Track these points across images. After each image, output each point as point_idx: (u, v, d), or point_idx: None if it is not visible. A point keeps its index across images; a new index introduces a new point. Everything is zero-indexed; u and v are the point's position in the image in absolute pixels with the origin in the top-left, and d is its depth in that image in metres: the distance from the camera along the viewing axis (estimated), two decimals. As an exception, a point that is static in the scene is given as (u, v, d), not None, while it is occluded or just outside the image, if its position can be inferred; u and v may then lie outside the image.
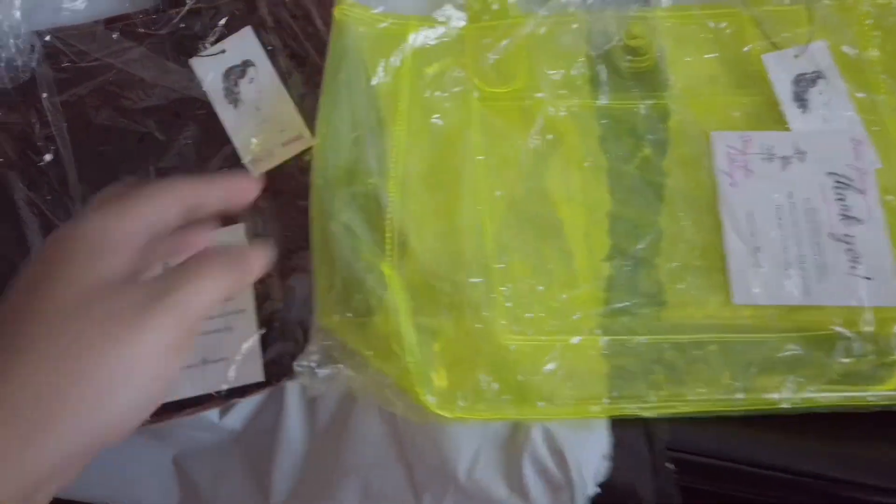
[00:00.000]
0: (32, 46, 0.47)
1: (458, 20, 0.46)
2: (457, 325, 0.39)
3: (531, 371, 0.38)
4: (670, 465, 0.37)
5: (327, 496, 0.42)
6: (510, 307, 0.40)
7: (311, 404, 0.44)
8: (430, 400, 0.37)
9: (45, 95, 0.47)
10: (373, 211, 0.42)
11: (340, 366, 0.38)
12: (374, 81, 0.45)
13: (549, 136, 0.45)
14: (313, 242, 0.42)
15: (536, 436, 0.38)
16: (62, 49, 0.47)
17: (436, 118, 0.45)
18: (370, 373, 0.38)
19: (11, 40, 0.46)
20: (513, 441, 0.38)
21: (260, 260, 0.33)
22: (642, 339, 0.39)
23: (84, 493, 0.47)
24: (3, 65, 0.47)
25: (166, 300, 0.28)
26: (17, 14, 0.46)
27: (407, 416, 0.38)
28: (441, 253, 0.41)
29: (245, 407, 0.46)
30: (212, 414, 0.45)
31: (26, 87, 0.47)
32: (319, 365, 0.39)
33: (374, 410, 0.42)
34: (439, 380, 0.38)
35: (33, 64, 0.47)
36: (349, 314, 0.39)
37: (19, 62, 0.47)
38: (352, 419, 0.42)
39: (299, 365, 0.39)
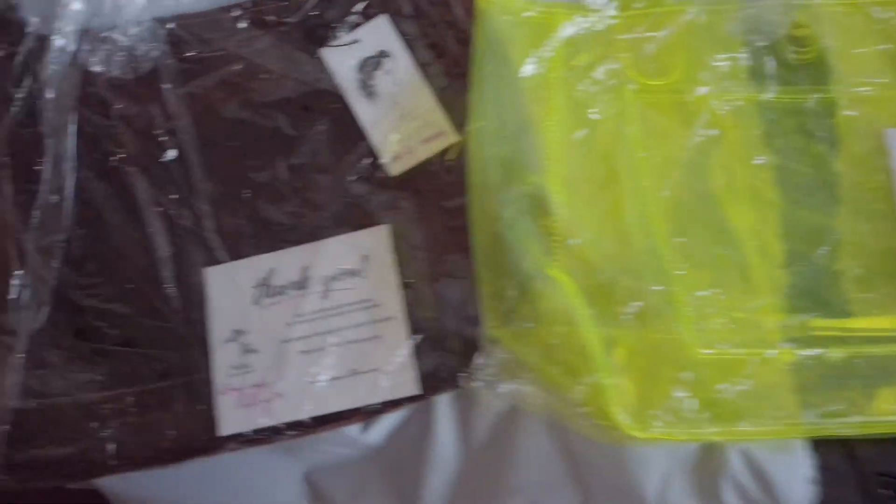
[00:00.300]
0: (154, 35, 0.44)
1: (610, 8, 0.44)
2: (639, 336, 0.36)
3: (727, 387, 0.35)
4: (886, 491, 0.34)
5: (488, 515, 0.40)
6: (695, 317, 0.37)
7: (464, 420, 0.42)
8: (625, 420, 0.34)
9: (167, 87, 0.44)
10: (535, 211, 0.39)
11: (521, 381, 0.36)
12: (522, 73, 0.42)
13: (711, 132, 0.42)
14: (476, 246, 0.39)
15: (734, 458, 0.35)
16: (186, 38, 0.44)
17: (592, 112, 0.42)
18: (551, 389, 0.35)
19: (133, 29, 0.43)
20: (706, 464, 0.36)
21: None
22: (837, 352, 0.37)
23: None
24: (123, 54, 0.44)
25: None
26: (141, 1, 0.43)
27: (591, 435, 0.36)
28: (612, 256, 0.38)
29: (387, 421, 0.43)
30: (353, 428, 0.43)
31: (147, 77, 0.44)
32: (498, 380, 0.36)
33: (541, 427, 0.40)
34: (627, 396, 0.35)
35: (155, 53, 0.44)
36: (520, 324, 0.37)
37: (141, 51, 0.44)
38: (516, 436, 0.40)
39: (478, 380, 0.37)
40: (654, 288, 0.37)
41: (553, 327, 0.36)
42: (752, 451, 0.35)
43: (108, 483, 0.43)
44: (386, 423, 0.43)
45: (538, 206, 0.39)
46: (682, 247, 0.39)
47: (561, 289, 0.36)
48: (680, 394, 0.35)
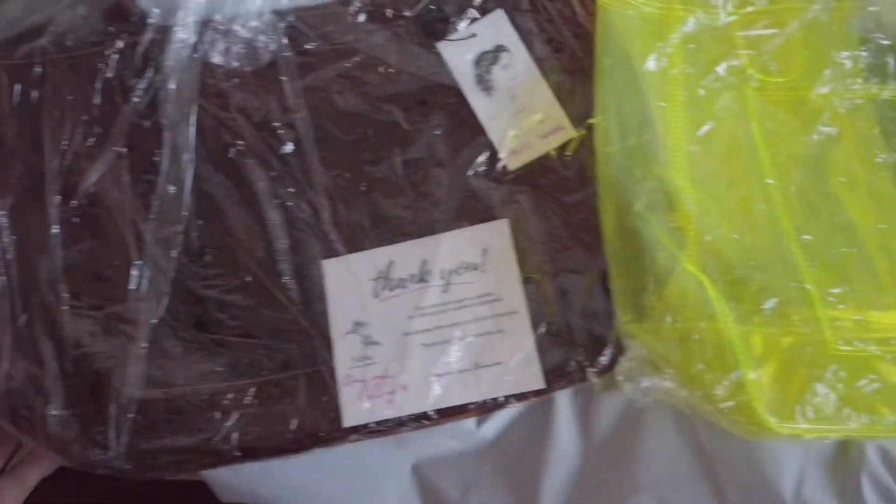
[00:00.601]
0: (274, 28, 0.44)
1: (729, 5, 0.44)
2: (777, 332, 0.36)
3: (865, 383, 0.35)
4: None
5: (612, 511, 0.40)
6: (831, 314, 0.37)
7: (584, 415, 0.42)
8: (768, 416, 0.34)
9: (286, 80, 0.44)
10: (665, 206, 0.39)
11: (660, 376, 0.36)
12: (645, 69, 0.42)
13: (831, 130, 0.42)
14: (607, 241, 0.39)
15: (872, 455, 0.35)
16: (304, 31, 0.44)
17: (715, 109, 0.42)
18: (691, 384, 0.36)
19: (253, 21, 0.43)
20: (842, 460, 0.36)
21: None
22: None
23: (322, 500, 0.44)
24: (243, 46, 0.44)
25: None
26: (262, -7, 0.43)
27: (730, 430, 0.36)
28: (744, 252, 0.38)
29: (501, 416, 0.43)
30: (469, 422, 0.43)
31: (265, 70, 0.44)
32: (636, 375, 0.36)
33: (668, 422, 0.40)
34: (768, 392, 0.35)
35: (274, 46, 0.44)
36: (656, 319, 0.37)
37: (260, 44, 0.44)
38: (641, 431, 0.40)
39: (620, 375, 0.37)
40: (789, 285, 0.37)
41: (692, 323, 0.36)
42: (889, 447, 0.35)
43: (217, 471, 0.43)
44: (500, 418, 0.44)
45: (668, 201, 0.39)
46: (809, 245, 0.39)
47: (699, 284, 0.36)
48: (820, 390, 0.35)
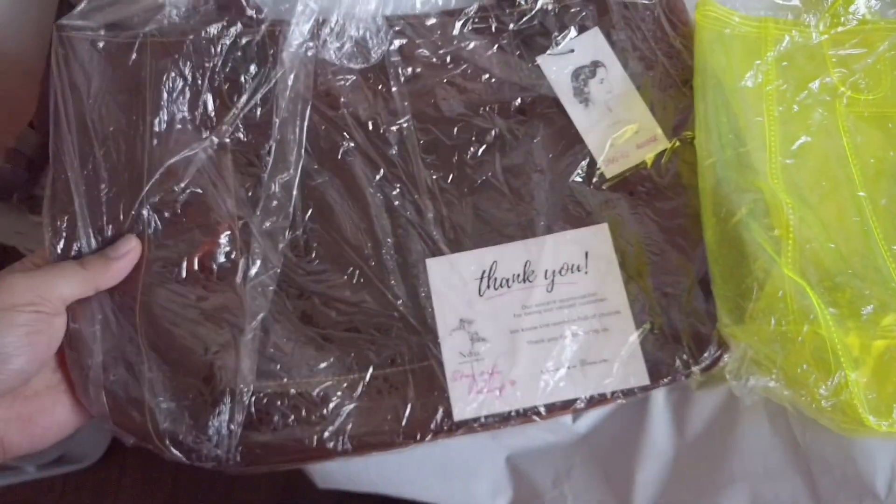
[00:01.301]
0: (385, 32, 0.45)
1: (821, 25, 0.47)
2: (874, 336, 0.39)
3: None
4: None
5: (708, 502, 0.42)
6: None
7: (678, 410, 0.44)
8: (869, 417, 0.37)
9: (393, 83, 0.45)
10: (763, 214, 0.42)
11: (765, 376, 0.38)
12: (743, 84, 0.45)
13: None
14: (710, 248, 0.42)
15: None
16: (413, 38, 0.46)
17: (808, 123, 0.45)
18: (793, 384, 0.38)
19: (365, 24, 0.45)
20: None
21: (105, 273, 0.41)
22: None
23: (417, 488, 0.44)
24: (353, 46, 0.45)
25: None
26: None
27: (829, 427, 0.38)
28: (841, 260, 0.41)
29: (596, 410, 0.45)
30: (566, 416, 0.44)
31: (373, 71, 0.45)
32: (741, 374, 0.38)
33: (762, 417, 0.42)
34: (867, 392, 0.38)
35: (384, 49, 0.45)
36: (758, 321, 0.39)
37: (371, 45, 0.45)
38: (736, 426, 0.42)
39: (727, 373, 0.39)
40: (883, 292, 0.40)
41: (795, 326, 0.38)
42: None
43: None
44: (594, 413, 0.45)
45: (768, 211, 0.42)
46: (898, 254, 0.43)
47: (800, 289, 0.39)
48: None
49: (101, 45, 0.43)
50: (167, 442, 0.39)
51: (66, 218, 0.42)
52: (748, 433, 0.42)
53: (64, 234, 0.42)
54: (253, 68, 0.44)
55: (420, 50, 0.46)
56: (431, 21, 0.46)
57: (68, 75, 0.43)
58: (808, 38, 0.46)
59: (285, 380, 0.41)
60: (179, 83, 0.43)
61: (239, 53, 0.44)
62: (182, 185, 0.43)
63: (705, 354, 0.42)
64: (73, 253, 0.41)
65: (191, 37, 0.44)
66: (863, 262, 0.42)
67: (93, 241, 0.42)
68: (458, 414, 0.41)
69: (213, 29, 0.44)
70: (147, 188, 0.43)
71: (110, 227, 0.43)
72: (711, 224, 0.42)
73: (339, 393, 0.41)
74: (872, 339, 0.39)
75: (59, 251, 0.41)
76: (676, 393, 0.44)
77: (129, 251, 0.41)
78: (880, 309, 0.40)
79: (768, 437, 0.42)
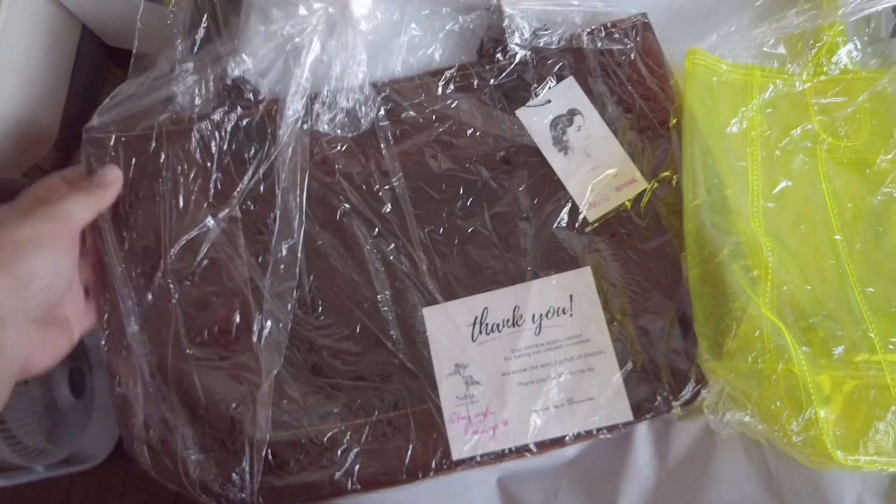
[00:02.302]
0: (372, 99, 0.49)
1: (805, 73, 0.48)
2: (844, 376, 0.41)
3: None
4: None
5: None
6: (892, 359, 0.42)
7: (660, 439, 0.47)
8: (837, 452, 0.39)
9: (383, 146, 0.49)
10: (744, 256, 0.43)
11: (740, 411, 0.40)
12: (729, 130, 0.47)
13: (895, 192, 0.46)
14: (692, 287, 0.44)
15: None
16: (399, 101, 0.49)
17: (790, 168, 0.46)
18: (766, 419, 0.40)
19: (355, 94, 0.48)
20: (894, 490, 0.41)
21: (109, 188, 0.47)
22: None
23: None
24: (344, 116, 0.48)
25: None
26: (362, 70, 0.48)
27: (799, 459, 0.40)
28: (816, 302, 0.43)
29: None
30: (556, 447, 0.48)
31: (365, 137, 0.49)
32: (719, 409, 0.41)
33: (739, 449, 0.44)
34: (836, 428, 0.40)
35: (372, 115, 0.49)
36: (736, 359, 0.41)
37: (361, 114, 0.48)
38: (713, 456, 0.45)
39: (705, 408, 0.41)
40: (855, 333, 0.42)
41: (770, 364, 0.40)
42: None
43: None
44: (581, 440, 0.48)
45: (749, 252, 0.43)
46: (872, 297, 0.44)
47: (776, 329, 0.41)
48: (881, 428, 0.39)
49: (123, 139, 0.49)
50: (198, 489, 0.45)
51: (107, 297, 0.48)
52: (725, 463, 0.45)
53: (107, 309, 0.47)
54: (255, 146, 0.48)
55: (407, 112, 0.49)
56: (416, 83, 0.49)
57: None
58: (791, 87, 0.47)
59: (299, 428, 0.46)
60: (191, 166, 0.48)
61: (241, 134, 0.48)
62: (199, 256, 0.48)
63: (685, 390, 0.44)
64: (116, 325, 0.47)
65: (199, 124, 0.48)
66: (837, 303, 0.43)
67: (131, 315, 0.47)
68: (456, 454, 0.45)
69: (217, 115, 0.48)
70: (167, 259, 0.48)
71: (142, 298, 0.48)
72: (695, 264, 0.44)
73: (347, 437, 0.46)
74: (843, 377, 0.41)
75: (105, 322, 0.47)
76: (658, 422, 0.47)
77: (116, 177, 0.47)
78: (851, 349, 0.42)
79: (744, 467, 0.44)
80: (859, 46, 0.49)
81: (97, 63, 0.69)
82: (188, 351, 0.47)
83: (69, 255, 0.44)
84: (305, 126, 0.48)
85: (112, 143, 0.49)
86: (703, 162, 0.45)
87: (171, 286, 0.47)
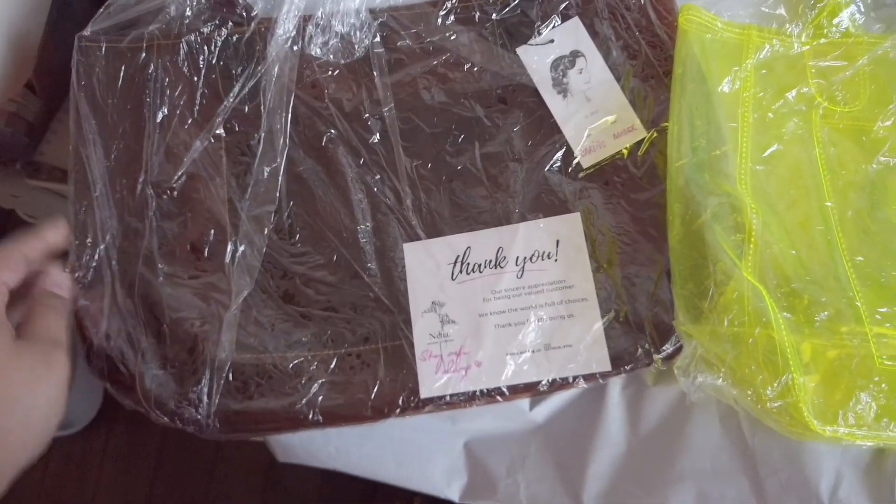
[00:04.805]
0: (368, 25, 0.47)
1: (803, 35, 0.46)
2: (826, 343, 0.39)
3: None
4: None
5: (656, 498, 0.42)
6: (878, 330, 0.40)
7: (633, 405, 0.44)
8: (814, 421, 0.36)
9: (376, 74, 0.47)
10: (730, 218, 0.41)
11: (713, 374, 0.38)
12: (720, 89, 0.45)
13: (891, 160, 0.44)
14: (672, 247, 0.42)
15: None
16: (396, 29, 0.48)
17: (782, 132, 0.44)
18: (742, 384, 0.38)
19: (350, 18, 0.47)
20: (877, 465, 0.39)
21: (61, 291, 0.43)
22: None
23: (374, 465, 0.46)
24: (338, 41, 0.47)
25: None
26: (360, -8, 0.46)
27: (776, 429, 0.38)
28: (801, 267, 0.41)
29: (552, 401, 0.46)
30: (522, 403, 0.46)
31: (358, 64, 0.47)
32: (691, 371, 0.39)
33: (714, 419, 0.42)
34: (814, 397, 0.38)
35: (367, 42, 0.47)
36: (713, 322, 0.39)
37: (355, 39, 0.47)
38: (687, 425, 0.42)
39: (676, 369, 0.39)
40: (840, 301, 0.39)
41: (748, 328, 0.38)
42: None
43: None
44: (551, 403, 0.46)
45: (733, 215, 0.41)
46: (861, 265, 0.42)
47: (756, 292, 0.39)
48: (863, 399, 0.37)
49: (114, 50, 0.47)
50: (153, 405, 0.43)
51: (84, 204, 0.46)
52: (699, 432, 0.42)
53: (84, 220, 0.46)
54: (243, 64, 0.47)
55: (403, 41, 0.47)
56: (415, 12, 0.48)
57: (87, 80, 0.47)
58: (789, 48, 0.45)
59: (264, 353, 0.44)
60: (179, 79, 0.47)
61: (230, 50, 0.47)
62: (180, 171, 0.46)
63: (667, 344, 0.42)
64: (89, 238, 0.45)
65: (188, 37, 0.47)
66: (823, 270, 0.41)
67: (108, 222, 0.46)
68: (425, 392, 0.43)
69: (207, 28, 0.47)
70: (147, 170, 0.46)
71: (122, 207, 0.46)
72: (676, 224, 0.42)
73: (313, 367, 0.44)
74: (826, 346, 0.39)
75: (77, 235, 0.45)
76: (632, 388, 0.45)
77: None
78: (836, 317, 0.40)
79: (719, 437, 0.42)
80: (863, 10, 0.47)
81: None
82: (159, 265, 0.45)
83: None
84: (296, 47, 0.47)
85: (102, 52, 0.47)
86: (690, 121, 0.43)
87: (149, 199, 0.46)
